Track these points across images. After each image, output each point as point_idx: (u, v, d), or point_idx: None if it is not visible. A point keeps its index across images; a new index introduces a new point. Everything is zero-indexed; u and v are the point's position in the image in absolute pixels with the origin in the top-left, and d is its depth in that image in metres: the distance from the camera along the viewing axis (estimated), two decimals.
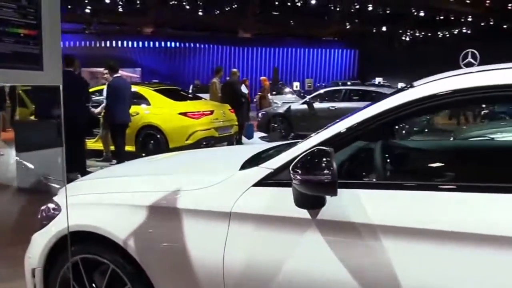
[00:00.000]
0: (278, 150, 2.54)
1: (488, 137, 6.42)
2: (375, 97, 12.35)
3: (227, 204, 2.06)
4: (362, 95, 12.63)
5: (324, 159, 1.77)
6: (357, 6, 28.05)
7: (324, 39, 35.60)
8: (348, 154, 2.28)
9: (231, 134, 9.44)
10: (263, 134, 12.67)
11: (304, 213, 1.90)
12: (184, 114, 8.53)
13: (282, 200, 1.96)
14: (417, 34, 34.56)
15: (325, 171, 1.74)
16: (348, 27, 32.69)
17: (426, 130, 10.24)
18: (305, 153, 1.87)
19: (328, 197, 1.86)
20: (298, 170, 1.81)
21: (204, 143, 8.46)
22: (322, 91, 13.70)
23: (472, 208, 1.70)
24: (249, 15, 31.02)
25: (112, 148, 8.31)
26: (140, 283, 2.25)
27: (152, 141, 8.67)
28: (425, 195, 1.82)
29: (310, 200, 1.87)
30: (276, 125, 12.63)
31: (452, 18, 31.13)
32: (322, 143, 1.97)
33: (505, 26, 31.18)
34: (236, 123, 9.71)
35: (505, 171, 2.18)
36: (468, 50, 23.37)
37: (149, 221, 2.22)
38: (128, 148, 8.26)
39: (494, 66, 2.03)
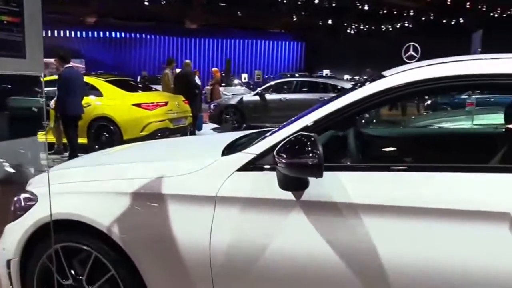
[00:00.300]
0: (251, 138, 2.65)
1: (435, 125, 6.79)
2: (324, 88, 12.65)
3: (213, 188, 2.12)
4: (312, 86, 12.94)
5: (309, 143, 1.87)
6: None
7: (272, 31, 35.82)
8: (324, 140, 2.40)
9: (185, 125, 9.42)
10: (214, 126, 12.70)
11: (288, 195, 2.00)
12: (138, 105, 8.44)
13: (266, 183, 2.05)
14: (362, 28, 35.38)
15: (312, 154, 1.84)
16: (295, 19, 33.05)
17: (375, 121, 10.57)
18: (287, 138, 1.97)
19: (310, 180, 1.97)
20: (283, 154, 1.91)
21: (159, 134, 8.41)
22: (273, 82, 13.87)
23: (437, 185, 1.88)
24: (196, 6, 30.77)
25: (64, 140, 8.13)
26: (124, 269, 2.29)
27: (105, 133, 8.53)
28: (396, 175, 1.97)
29: (294, 183, 1.98)
30: (228, 116, 12.69)
31: (395, 12, 32.07)
32: (303, 129, 2.07)
33: (444, 21, 32.44)
34: (190, 114, 9.70)
35: (468, 153, 2.37)
36: (410, 43, 24.19)
37: (135, 208, 2.25)
38: (81, 140, 8.10)
39: (449, 58, 2.20)
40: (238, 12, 31.90)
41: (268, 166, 2.08)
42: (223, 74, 22.30)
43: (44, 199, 2.28)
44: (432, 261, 1.80)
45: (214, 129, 12.29)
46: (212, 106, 13.25)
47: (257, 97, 12.50)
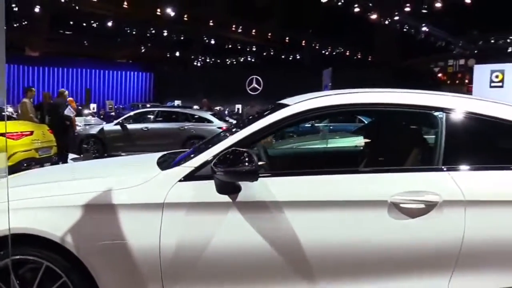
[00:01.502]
0: (170, 157, 3.12)
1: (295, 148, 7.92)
2: (185, 118, 13.23)
3: (160, 196, 2.52)
4: (172, 116, 13.46)
5: (245, 155, 2.41)
6: (153, 31, 28.88)
7: (120, 61, 35.53)
8: None
9: (51, 155, 9.21)
10: (74, 156, 12.45)
11: (225, 198, 2.50)
12: (2, 134, 8.13)
13: (205, 190, 2.52)
14: (208, 60, 36.89)
15: (249, 163, 2.38)
16: (143, 50, 33.33)
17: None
18: (222, 153, 2.49)
19: (242, 184, 2.49)
20: (220, 165, 2.42)
21: (25, 164, 8.16)
22: (132, 113, 14.07)
23: (334, 184, 2.58)
24: (40, 33, 29.44)
25: None
26: (75, 274, 2.54)
27: None
28: (302, 178, 2.62)
29: (230, 187, 2.49)
30: (88, 146, 12.56)
31: (239, 47, 34.14)
32: (230, 147, 2.60)
33: (283, 56, 35.36)
34: (55, 144, 9.51)
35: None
36: (253, 76, 25.90)
37: (88, 218, 2.53)
38: None
39: (337, 91, 2.96)
40: (85, 42, 31.23)
41: (205, 176, 2.56)
42: (79, 105, 21.66)
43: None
44: (337, 239, 2.45)
45: (73, 159, 12.05)
46: None
47: (118, 127, 12.60)
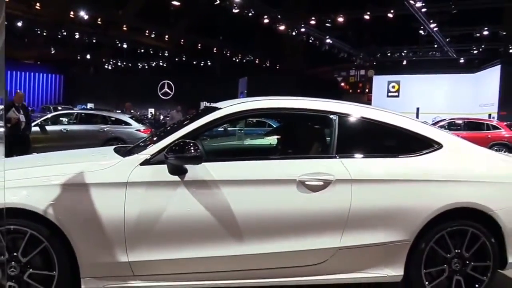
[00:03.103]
0: (121, 149, 3.86)
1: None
2: (103, 120, 13.61)
3: (124, 176, 3.26)
4: (90, 118, 13.79)
5: (192, 144, 3.22)
6: (64, 33, 28.42)
7: (27, 62, 34.37)
8: None
9: None
10: None
11: (175, 178, 3.29)
12: None
13: (159, 172, 3.30)
14: (120, 64, 36.69)
15: (195, 150, 3.19)
16: (53, 52, 32.54)
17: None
18: (172, 144, 3.28)
19: (188, 167, 3.29)
20: (172, 153, 3.21)
21: None
22: (50, 115, 14.22)
23: (257, 167, 3.48)
24: None
25: None
26: (55, 241, 3.20)
27: None
28: (234, 163, 3.50)
29: (179, 170, 3.29)
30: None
31: (151, 51, 34.35)
32: (179, 138, 3.38)
33: (195, 62, 36.02)
34: None
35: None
36: (164, 81, 26.33)
37: (66, 194, 3.20)
38: None
39: (261, 98, 3.85)
40: None
41: (159, 161, 3.33)
42: None
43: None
44: (260, 208, 3.33)
45: None
46: None
47: (37, 128, 12.73)
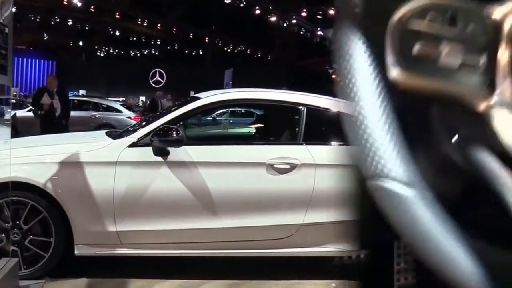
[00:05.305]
0: (112, 132, 4.31)
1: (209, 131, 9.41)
2: (94, 107, 13.99)
3: (114, 156, 3.72)
4: (82, 105, 14.22)
5: (174, 129, 3.68)
6: (57, 19, 28.60)
7: (20, 47, 34.40)
8: None
9: None
10: None
11: (159, 159, 3.75)
12: None
13: (145, 153, 3.76)
14: (112, 51, 36.87)
15: (177, 134, 3.66)
16: (46, 38, 32.68)
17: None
18: (157, 128, 3.74)
19: (170, 149, 3.75)
20: (157, 136, 3.67)
21: None
22: None
23: (231, 151, 3.91)
24: None
25: None
26: (53, 211, 3.66)
27: None
28: (213, 147, 3.94)
29: (163, 151, 3.75)
30: None
31: (143, 39, 34.57)
32: (163, 124, 3.85)
33: (187, 51, 36.29)
34: None
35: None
36: (156, 69, 26.57)
37: (64, 170, 3.67)
38: None
39: (237, 89, 4.31)
40: None
41: (145, 144, 3.79)
42: None
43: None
44: (233, 187, 3.80)
45: None
46: None
47: (30, 113, 13.07)
